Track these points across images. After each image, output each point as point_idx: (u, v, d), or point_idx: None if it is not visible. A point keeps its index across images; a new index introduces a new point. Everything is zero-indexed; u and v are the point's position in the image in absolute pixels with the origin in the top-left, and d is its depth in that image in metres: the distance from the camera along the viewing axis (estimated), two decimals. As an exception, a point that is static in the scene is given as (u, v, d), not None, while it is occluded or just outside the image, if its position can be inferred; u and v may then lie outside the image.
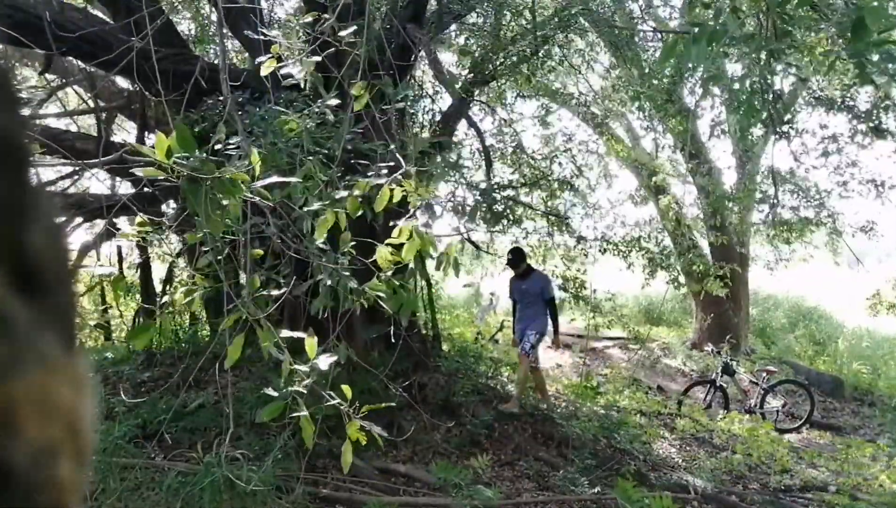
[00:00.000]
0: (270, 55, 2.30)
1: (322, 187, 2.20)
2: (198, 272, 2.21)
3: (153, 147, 1.55)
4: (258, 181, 1.82)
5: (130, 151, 1.75)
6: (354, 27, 2.42)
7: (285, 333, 1.90)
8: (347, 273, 2.16)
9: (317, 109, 2.63)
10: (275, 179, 1.89)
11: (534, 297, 6.08)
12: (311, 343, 1.85)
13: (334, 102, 2.55)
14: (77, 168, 5.38)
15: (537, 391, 6.20)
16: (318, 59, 2.40)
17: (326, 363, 1.84)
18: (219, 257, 2.07)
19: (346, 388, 1.88)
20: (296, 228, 2.27)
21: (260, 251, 2.20)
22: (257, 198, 1.86)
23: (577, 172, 8.69)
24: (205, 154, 1.59)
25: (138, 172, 1.61)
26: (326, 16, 2.45)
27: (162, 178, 1.59)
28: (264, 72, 2.28)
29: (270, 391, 1.88)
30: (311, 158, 2.28)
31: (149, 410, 4.44)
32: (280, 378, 1.88)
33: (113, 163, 2.05)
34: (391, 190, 2.05)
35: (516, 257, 6.16)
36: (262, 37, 2.90)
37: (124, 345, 6.32)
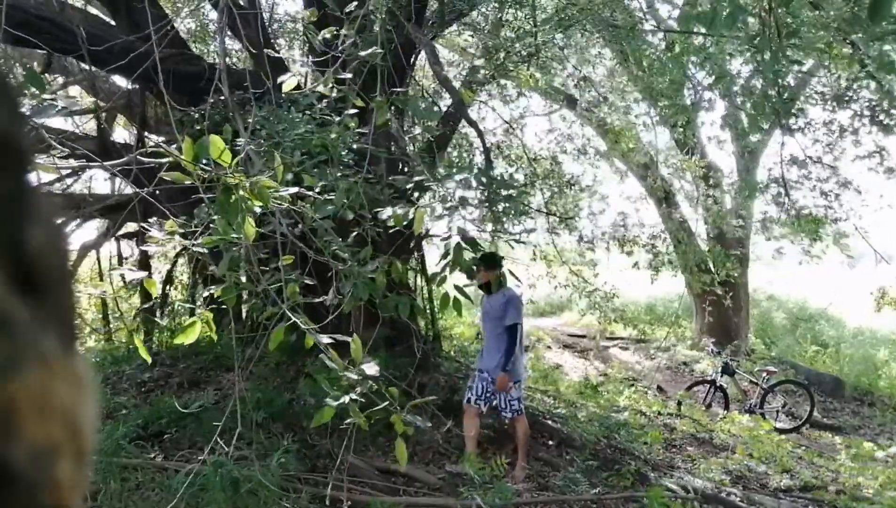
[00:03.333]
0: (291, 74, 2.32)
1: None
2: (209, 274, 2.22)
3: (158, 145, 1.55)
4: (283, 189, 1.82)
5: (150, 154, 1.75)
6: (374, 48, 2.43)
7: (326, 337, 1.86)
8: (371, 282, 2.17)
9: (330, 117, 2.64)
10: (296, 189, 1.90)
11: (494, 322, 4.73)
12: (356, 346, 1.84)
13: (351, 110, 2.57)
14: (78, 170, 5.37)
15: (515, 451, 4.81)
16: (347, 73, 2.40)
17: (373, 369, 1.84)
18: (247, 261, 2.06)
19: (392, 390, 1.89)
20: (309, 233, 2.28)
21: (291, 258, 2.18)
22: (286, 205, 1.86)
23: (576, 174, 8.69)
24: (236, 162, 1.59)
25: (167, 176, 1.62)
26: (344, 32, 2.46)
27: (189, 183, 1.59)
28: (286, 89, 2.30)
29: (330, 402, 1.86)
30: (316, 161, 2.29)
31: (150, 410, 4.44)
32: (333, 385, 1.86)
33: (124, 165, 2.06)
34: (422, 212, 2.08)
35: (481, 265, 4.41)
36: (262, 38, 2.90)
37: (124, 345, 6.31)
